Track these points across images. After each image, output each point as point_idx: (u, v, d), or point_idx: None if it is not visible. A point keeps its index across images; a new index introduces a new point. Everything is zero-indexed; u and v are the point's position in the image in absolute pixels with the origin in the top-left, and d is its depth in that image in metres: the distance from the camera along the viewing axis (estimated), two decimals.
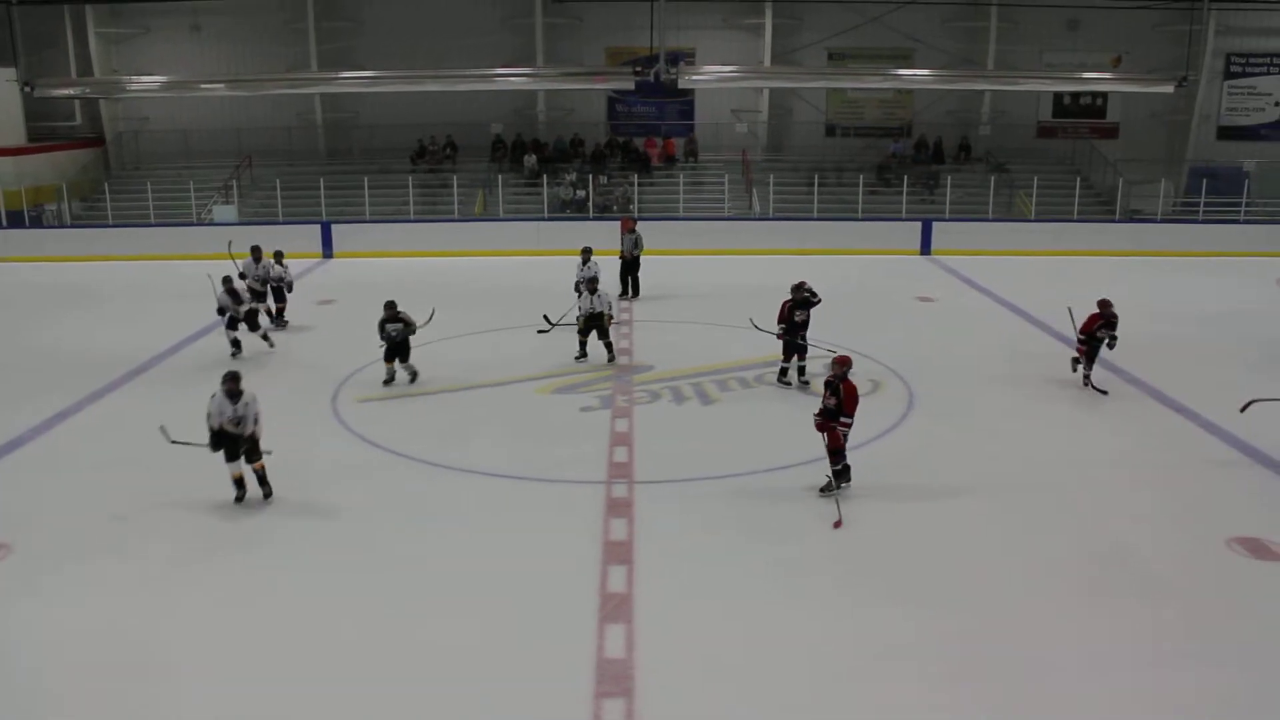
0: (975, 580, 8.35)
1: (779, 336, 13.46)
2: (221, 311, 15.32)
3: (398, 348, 13.47)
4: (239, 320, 15.36)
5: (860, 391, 11.13)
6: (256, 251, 17.06)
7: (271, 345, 15.81)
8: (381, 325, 12.70)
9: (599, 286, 14.82)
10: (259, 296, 16.51)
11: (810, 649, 7.31)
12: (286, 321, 17.43)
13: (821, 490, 9.93)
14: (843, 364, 10.12)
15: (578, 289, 17.76)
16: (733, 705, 6.65)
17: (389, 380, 13.70)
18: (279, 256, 17.50)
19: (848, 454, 10.01)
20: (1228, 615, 7.85)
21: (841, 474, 9.99)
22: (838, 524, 9.32)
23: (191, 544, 9.05)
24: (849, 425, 9.85)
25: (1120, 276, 22.36)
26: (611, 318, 14.68)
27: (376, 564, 8.69)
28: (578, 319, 14.81)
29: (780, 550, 9.00)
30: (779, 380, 13.74)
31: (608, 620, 7.65)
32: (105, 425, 12.46)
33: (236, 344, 15.37)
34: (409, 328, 12.21)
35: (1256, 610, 7.92)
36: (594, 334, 14.70)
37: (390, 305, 12.94)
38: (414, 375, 13.79)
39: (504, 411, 12.80)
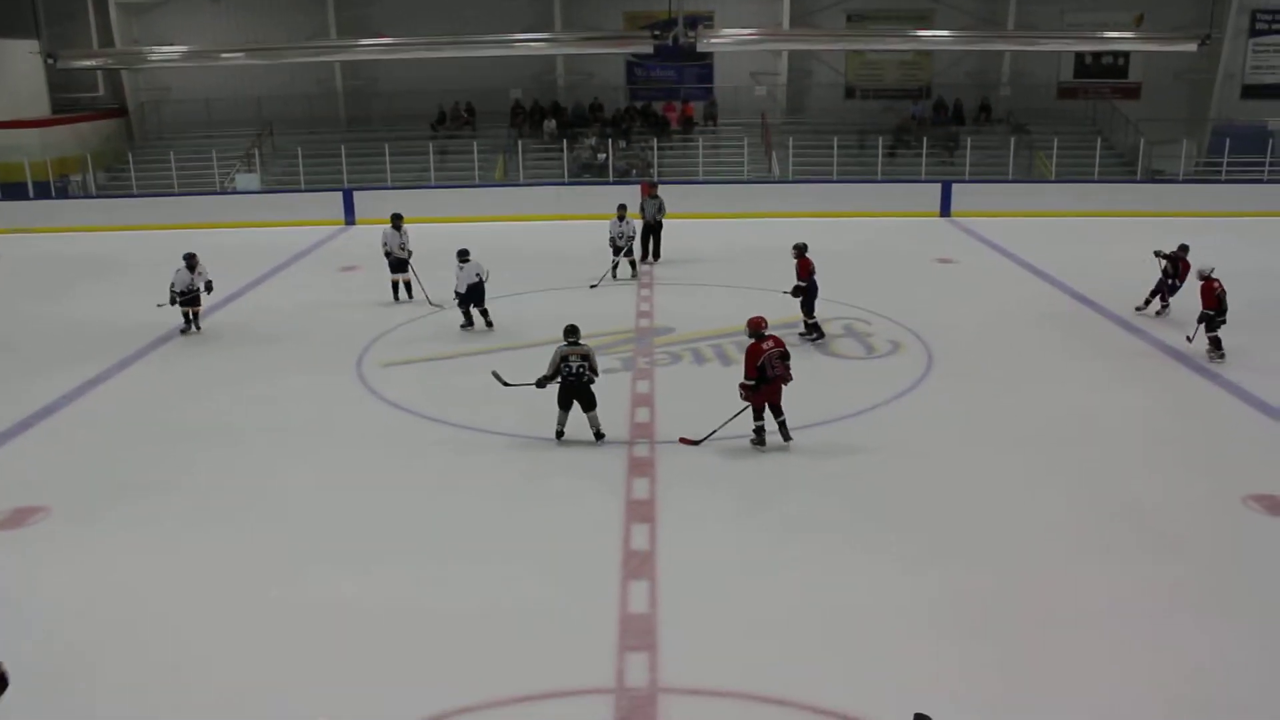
0: (992, 538, 8.48)
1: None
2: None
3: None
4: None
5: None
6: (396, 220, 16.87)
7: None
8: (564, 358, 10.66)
9: (471, 258, 14.59)
10: (401, 265, 16.71)
11: (828, 604, 7.48)
12: (199, 328, 15.31)
13: (751, 442, 10.28)
14: (749, 324, 10.34)
15: (613, 245, 17.95)
16: (753, 659, 6.82)
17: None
18: (190, 261, 15.03)
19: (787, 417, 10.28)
20: (1242, 571, 7.96)
21: (782, 429, 10.31)
22: (686, 439, 10.26)
23: (218, 506, 9.30)
24: (746, 386, 10.10)
25: (1141, 236, 22.25)
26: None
27: (401, 525, 8.91)
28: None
29: (799, 507, 9.18)
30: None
31: (631, 577, 7.84)
32: (134, 391, 12.72)
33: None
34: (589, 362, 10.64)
35: (1272, 567, 8.02)
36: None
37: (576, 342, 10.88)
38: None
39: (526, 374, 12.92)
